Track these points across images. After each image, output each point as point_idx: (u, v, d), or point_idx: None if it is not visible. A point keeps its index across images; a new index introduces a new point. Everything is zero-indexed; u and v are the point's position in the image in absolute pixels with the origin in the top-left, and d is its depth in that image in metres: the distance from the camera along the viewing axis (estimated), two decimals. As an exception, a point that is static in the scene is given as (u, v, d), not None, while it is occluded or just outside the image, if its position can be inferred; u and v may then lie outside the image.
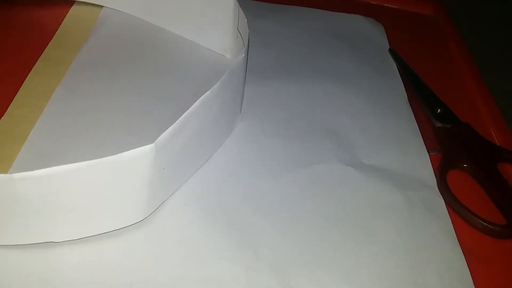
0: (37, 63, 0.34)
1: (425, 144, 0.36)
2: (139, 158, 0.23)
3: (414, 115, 0.38)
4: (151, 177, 0.25)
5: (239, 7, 0.33)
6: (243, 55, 0.30)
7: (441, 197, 0.32)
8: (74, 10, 0.40)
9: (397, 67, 0.42)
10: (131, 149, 0.30)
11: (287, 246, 0.27)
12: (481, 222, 0.30)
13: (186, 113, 0.25)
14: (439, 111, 0.38)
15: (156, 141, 0.23)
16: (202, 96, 0.26)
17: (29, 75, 0.33)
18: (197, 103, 0.26)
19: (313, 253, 0.27)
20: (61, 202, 0.23)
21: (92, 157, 0.29)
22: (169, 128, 0.24)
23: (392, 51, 0.44)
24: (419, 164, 0.34)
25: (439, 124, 0.37)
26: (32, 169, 0.27)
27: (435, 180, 0.33)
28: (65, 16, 0.39)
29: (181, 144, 0.26)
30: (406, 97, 0.39)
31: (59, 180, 0.22)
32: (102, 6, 0.40)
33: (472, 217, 0.30)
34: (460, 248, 0.29)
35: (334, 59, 0.42)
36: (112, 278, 0.24)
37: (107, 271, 0.24)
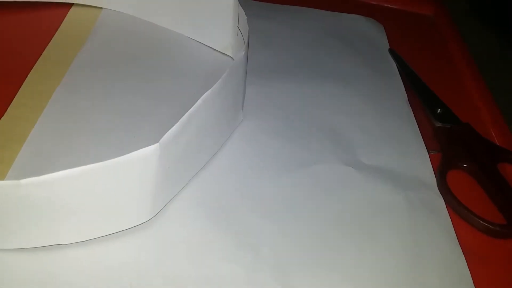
0: (37, 63, 0.34)
1: (425, 144, 0.35)
2: (144, 158, 0.23)
3: (414, 115, 0.38)
4: (156, 177, 0.25)
5: (239, 5, 0.33)
6: (243, 52, 0.30)
7: (441, 197, 0.32)
8: (74, 10, 0.40)
9: (397, 67, 0.42)
10: (132, 149, 0.30)
11: (287, 246, 0.27)
12: (481, 222, 0.30)
13: (188, 112, 0.25)
14: (439, 111, 0.38)
15: (160, 140, 0.23)
16: (204, 95, 0.26)
17: (29, 76, 0.33)
18: (199, 101, 0.26)
19: (313, 253, 0.27)
20: (68, 205, 0.23)
21: (92, 158, 0.29)
22: (172, 128, 0.24)
23: (392, 51, 0.44)
24: (419, 164, 0.34)
25: (439, 124, 0.37)
26: (32, 170, 0.27)
27: (435, 180, 0.33)
28: (65, 16, 0.39)
29: (184, 143, 0.26)
30: (406, 97, 0.39)
31: (65, 184, 0.22)
32: (101, 7, 0.40)
33: (472, 217, 0.30)
34: (460, 248, 0.29)
35: (335, 59, 0.42)
36: (112, 278, 0.24)
37: (106, 271, 0.24)
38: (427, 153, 0.35)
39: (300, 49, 0.42)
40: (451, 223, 0.30)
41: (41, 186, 0.21)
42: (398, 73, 0.42)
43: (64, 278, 0.24)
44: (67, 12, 0.39)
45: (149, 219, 0.26)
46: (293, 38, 0.43)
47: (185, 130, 0.25)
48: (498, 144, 0.37)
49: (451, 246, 0.29)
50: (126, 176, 0.23)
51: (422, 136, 0.36)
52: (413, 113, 0.38)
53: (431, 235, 0.29)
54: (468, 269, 0.28)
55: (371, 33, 0.46)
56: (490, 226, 0.30)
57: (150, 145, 0.29)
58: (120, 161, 0.22)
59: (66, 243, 0.25)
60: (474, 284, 0.27)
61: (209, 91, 0.26)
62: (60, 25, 0.38)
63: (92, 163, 0.22)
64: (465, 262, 0.28)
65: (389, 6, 0.51)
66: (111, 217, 0.25)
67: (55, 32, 0.37)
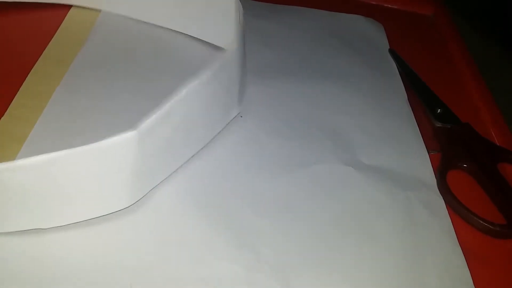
0: (37, 63, 0.34)
1: (425, 144, 0.35)
2: (121, 144, 0.23)
3: (414, 115, 0.38)
4: (136, 163, 0.25)
5: (239, 2, 0.33)
6: (236, 46, 0.30)
7: (441, 197, 0.32)
8: (73, 11, 0.40)
9: (397, 67, 0.42)
10: None
11: (287, 246, 0.27)
12: (481, 222, 0.30)
13: (170, 99, 0.25)
14: (439, 111, 0.38)
15: (139, 128, 0.23)
16: (189, 85, 0.26)
17: (29, 76, 0.33)
18: (183, 92, 0.26)
19: (313, 253, 0.27)
20: (45, 189, 0.23)
21: None
22: (153, 115, 0.24)
23: (392, 51, 0.44)
24: (419, 164, 0.34)
25: (439, 124, 0.37)
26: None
27: (435, 180, 0.33)
28: (65, 17, 0.39)
29: (168, 132, 0.26)
30: (406, 97, 0.39)
31: (42, 169, 0.22)
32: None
33: (472, 217, 0.30)
34: (460, 248, 0.29)
35: (334, 59, 0.41)
36: (112, 277, 0.24)
37: (106, 271, 0.24)
38: (427, 153, 0.35)
39: (300, 49, 0.42)
40: (451, 223, 0.30)
41: (17, 171, 0.22)
42: (398, 73, 0.42)
43: (57, 264, 0.24)
44: (67, 13, 0.39)
45: (129, 206, 0.26)
46: (293, 38, 0.43)
47: (168, 119, 0.25)
48: (498, 144, 0.37)
49: (451, 246, 0.29)
50: (103, 161, 0.24)
51: (422, 136, 0.36)
52: (413, 113, 0.38)
53: (431, 236, 0.29)
54: (468, 269, 0.28)
55: (371, 33, 0.46)
56: (490, 226, 0.30)
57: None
58: (97, 146, 0.23)
59: (46, 228, 0.25)
60: (474, 284, 0.27)
61: (194, 82, 0.26)
62: (59, 25, 0.38)
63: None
64: (465, 262, 0.28)
65: (389, 6, 0.51)
66: (87, 202, 0.25)
67: (55, 33, 0.37)
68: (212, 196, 0.29)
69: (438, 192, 0.32)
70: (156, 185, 0.28)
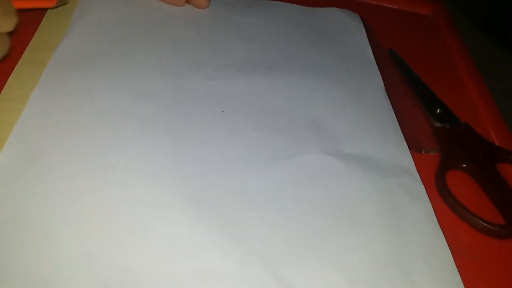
0: (16, 67, 0.33)
1: (424, 144, 0.35)
2: None
3: (413, 115, 0.38)
4: None
5: None
6: None
7: (421, 182, 0.32)
8: (49, 14, 0.38)
9: (397, 67, 0.42)
10: (117, 148, 0.30)
11: (276, 238, 0.27)
12: (480, 222, 0.30)
13: None
14: (438, 111, 0.37)
15: None
16: None
17: (9, 79, 0.32)
18: None
19: (302, 243, 0.27)
20: None
21: (73, 160, 0.28)
22: None
23: (392, 51, 0.44)
24: (397, 151, 0.34)
25: (438, 124, 0.37)
26: (12, 173, 0.27)
27: (413, 165, 0.33)
28: (43, 17, 0.38)
29: None
30: (384, 87, 0.39)
31: None
32: (76, 5, 0.39)
33: (471, 217, 0.30)
34: (440, 229, 0.30)
35: (313, 52, 0.41)
36: (102, 275, 0.24)
37: (96, 269, 0.24)
38: (404, 140, 0.35)
39: (279, 44, 0.41)
40: (431, 206, 0.31)
41: None
42: (374, 62, 0.41)
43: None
44: (44, 16, 0.38)
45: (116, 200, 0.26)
46: (272, 33, 0.42)
47: None
48: (497, 144, 0.37)
49: (432, 228, 0.30)
50: None
51: (422, 135, 0.36)
52: (412, 113, 0.38)
53: (413, 219, 0.30)
54: (448, 249, 0.29)
55: (347, 23, 0.45)
56: (489, 226, 0.30)
57: (137, 144, 0.29)
58: None
59: None
60: (472, 286, 0.27)
61: None
62: (38, 26, 0.37)
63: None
64: (446, 242, 0.29)
65: (388, 6, 0.51)
66: None
67: (34, 34, 0.36)
68: (199, 191, 0.28)
69: (417, 176, 0.32)
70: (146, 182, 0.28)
